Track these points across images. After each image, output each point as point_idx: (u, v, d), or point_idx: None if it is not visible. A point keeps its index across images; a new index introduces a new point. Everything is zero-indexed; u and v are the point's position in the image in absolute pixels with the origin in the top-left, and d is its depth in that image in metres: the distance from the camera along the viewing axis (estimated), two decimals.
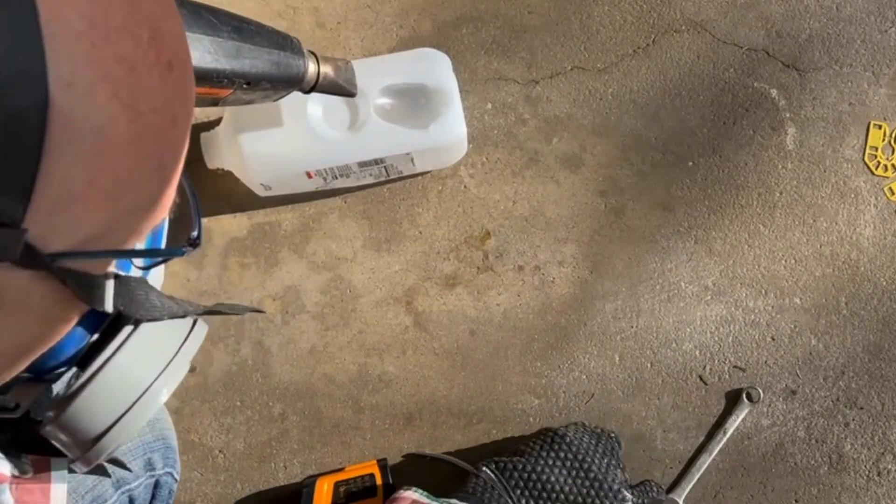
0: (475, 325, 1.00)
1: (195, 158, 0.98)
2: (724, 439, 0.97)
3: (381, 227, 1.02)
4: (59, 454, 0.51)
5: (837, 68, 1.03)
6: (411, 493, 0.83)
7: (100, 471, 0.58)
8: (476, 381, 0.99)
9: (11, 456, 0.50)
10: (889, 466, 0.97)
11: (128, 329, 0.51)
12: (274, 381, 1.00)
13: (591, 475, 0.84)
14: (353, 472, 0.94)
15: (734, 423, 0.97)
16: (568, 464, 0.85)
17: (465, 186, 1.02)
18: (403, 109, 0.93)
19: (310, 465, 0.99)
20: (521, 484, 0.85)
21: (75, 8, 0.25)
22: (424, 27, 1.05)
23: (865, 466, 0.98)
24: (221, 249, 1.02)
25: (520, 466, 0.86)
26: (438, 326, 1.00)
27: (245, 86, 0.65)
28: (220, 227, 1.02)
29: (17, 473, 0.50)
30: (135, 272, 0.53)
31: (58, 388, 0.55)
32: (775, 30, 1.04)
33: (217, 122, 0.97)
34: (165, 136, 0.29)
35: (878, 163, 1.02)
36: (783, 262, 1.01)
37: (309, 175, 0.93)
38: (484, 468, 0.87)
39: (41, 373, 0.52)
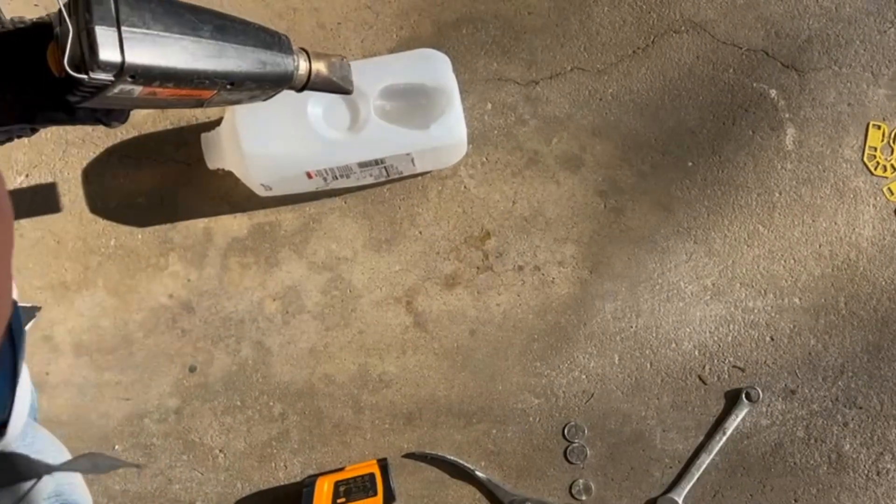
0: (475, 325, 1.00)
1: (196, 159, 0.99)
2: (724, 439, 0.97)
3: (381, 228, 1.02)
4: None
5: (836, 69, 1.04)
6: None
7: None
8: (476, 381, 1.00)
9: None
10: (888, 466, 0.98)
11: None
12: (274, 381, 1.00)
13: None
14: (353, 471, 0.94)
15: (733, 423, 0.97)
16: None
17: (465, 186, 1.03)
18: (404, 110, 0.93)
19: (310, 464, 0.99)
20: None
21: None
22: (424, 28, 1.05)
23: (864, 466, 0.98)
24: (222, 249, 1.02)
25: None
26: (438, 326, 1.00)
27: (229, 86, 0.63)
28: (221, 227, 1.02)
29: None
30: None
31: None
32: (775, 30, 1.04)
33: (218, 122, 0.97)
34: None
35: (878, 163, 1.02)
36: (782, 262, 1.01)
37: (309, 175, 0.93)
38: None
39: None
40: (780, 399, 0.99)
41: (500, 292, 1.01)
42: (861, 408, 0.98)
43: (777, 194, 1.02)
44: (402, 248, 1.02)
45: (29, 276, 1.01)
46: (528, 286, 1.01)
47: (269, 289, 1.01)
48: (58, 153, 1.03)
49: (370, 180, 0.99)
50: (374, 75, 0.92)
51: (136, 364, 1.00)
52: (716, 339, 1.00)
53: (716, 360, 0.99)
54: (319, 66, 0.70)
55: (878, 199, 1.02)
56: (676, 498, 0.96)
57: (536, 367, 1.00)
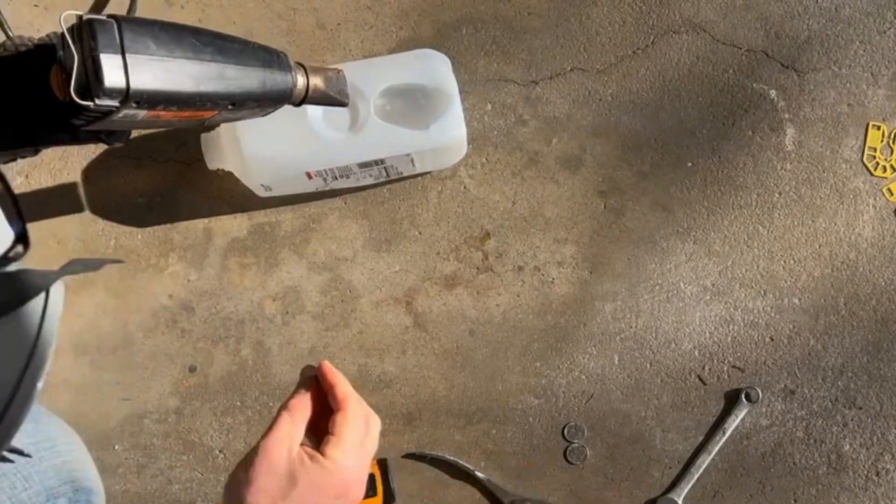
0: (475, 326, 1.00)
1: (196, 159, 0.99)
2: (723, 439, 0.97)
3: (381, 228, 1.02)
4: None
5: (836, 69, 1.04)
6: None
7: None
8: (476, 382, 1.00)
9: None
10: (888, 466, 0.98)
11: None
12: (274, 382, 1.00)
13: None
14: None
15: (733, 423, 0.97)
16: None
17: (464, 187, 1.03)
18: (403, 110, 0.93)
19: None
20: None
21: None
22: (424, 28, 1.05)
23: (864, 466, 0.98)
24: (222, 250, 1.02)
25: None
26: (438, 326, 1.01)
27: (230, 106, 0.64)
28: (221, 228, 1.03)
29: None
30: None
31: None
32: (774, 31, 1.04)
33: None
34: None
35: (877, 163, 1.02)
36: (782, 262, 1.01)
37: (309, 176, 0.93)
38: None
39: None
40: (779, 399, 0.99)
41: (499, 293, 1.01)
42: (861, 408, 0.98)
43: (777, 195, 1.02)
44: (402, 249, 1.02)
45: None
46: (528, 286, 1.01)
47: (268, 289, 1.01)
48: (57, 154, 1.03)
49: (370, 181, 0.99)
50: (373, 75, 0.92)
51: (136, 364, 1.01)
52: (715, 339, 1.00)
53: (715, 361, 0.99)
54: (317, 81, 0.71)
55: (877, 199, 1.02)
56: (676, 498, 0.96)
57: (536, 367, 1.00)
